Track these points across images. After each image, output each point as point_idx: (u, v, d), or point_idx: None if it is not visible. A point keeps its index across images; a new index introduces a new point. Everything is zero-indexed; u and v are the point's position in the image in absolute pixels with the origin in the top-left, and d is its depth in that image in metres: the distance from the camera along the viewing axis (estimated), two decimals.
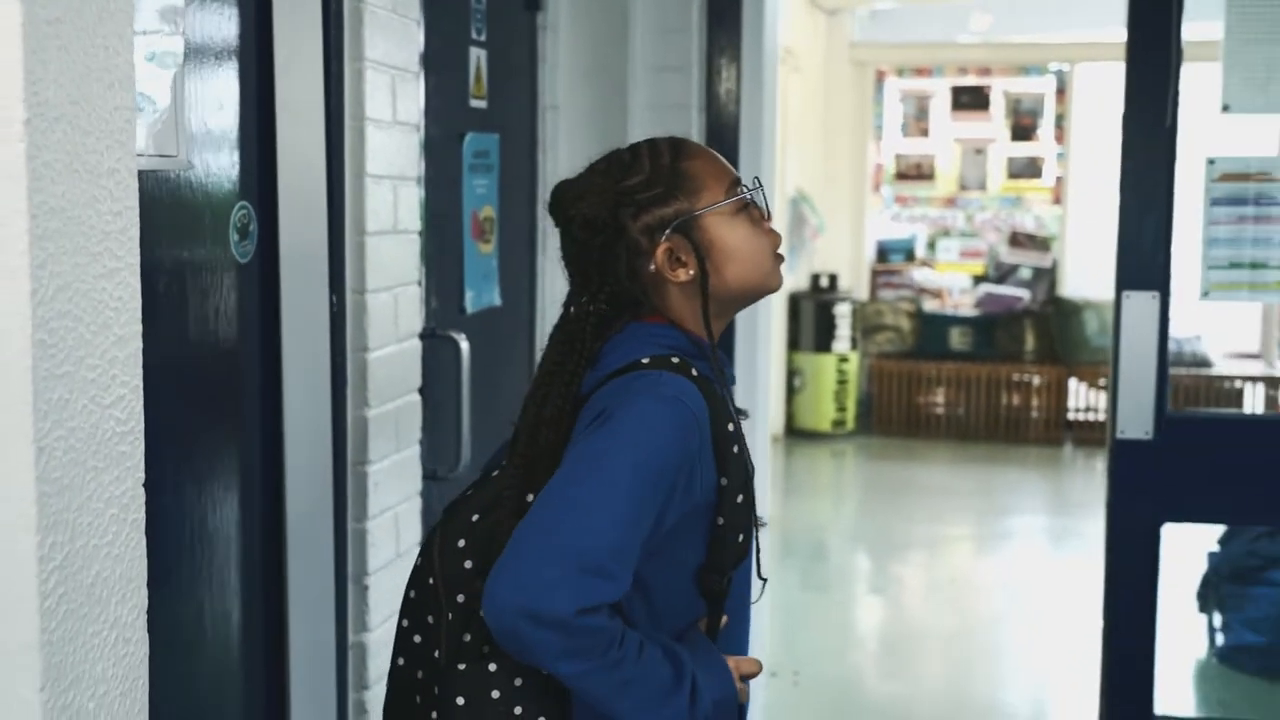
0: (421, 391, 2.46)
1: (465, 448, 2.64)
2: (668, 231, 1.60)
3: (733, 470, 1.57)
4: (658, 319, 1.63)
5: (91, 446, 1.23)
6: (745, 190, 1.65)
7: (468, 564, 1.56)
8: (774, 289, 1.68)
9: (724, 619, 1.64)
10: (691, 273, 1.61)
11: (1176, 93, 3.30)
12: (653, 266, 1.60)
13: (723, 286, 1.63)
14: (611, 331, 1.62)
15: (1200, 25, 3.35)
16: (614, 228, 1.60)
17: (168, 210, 1.81)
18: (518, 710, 1.53)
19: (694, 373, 1.57)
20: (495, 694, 1.52)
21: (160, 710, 1.45)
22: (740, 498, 1.58)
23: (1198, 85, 3.39)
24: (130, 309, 1.27)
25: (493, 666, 1.52)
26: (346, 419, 2.21)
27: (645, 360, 1.57)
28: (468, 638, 1.54)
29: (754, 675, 1.65)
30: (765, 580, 1.71)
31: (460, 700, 1.52)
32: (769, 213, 1.67)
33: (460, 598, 1.56)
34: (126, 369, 1.27)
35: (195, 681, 1.92)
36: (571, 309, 1.64)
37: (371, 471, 2.26)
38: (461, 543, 1.57)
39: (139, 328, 1.29)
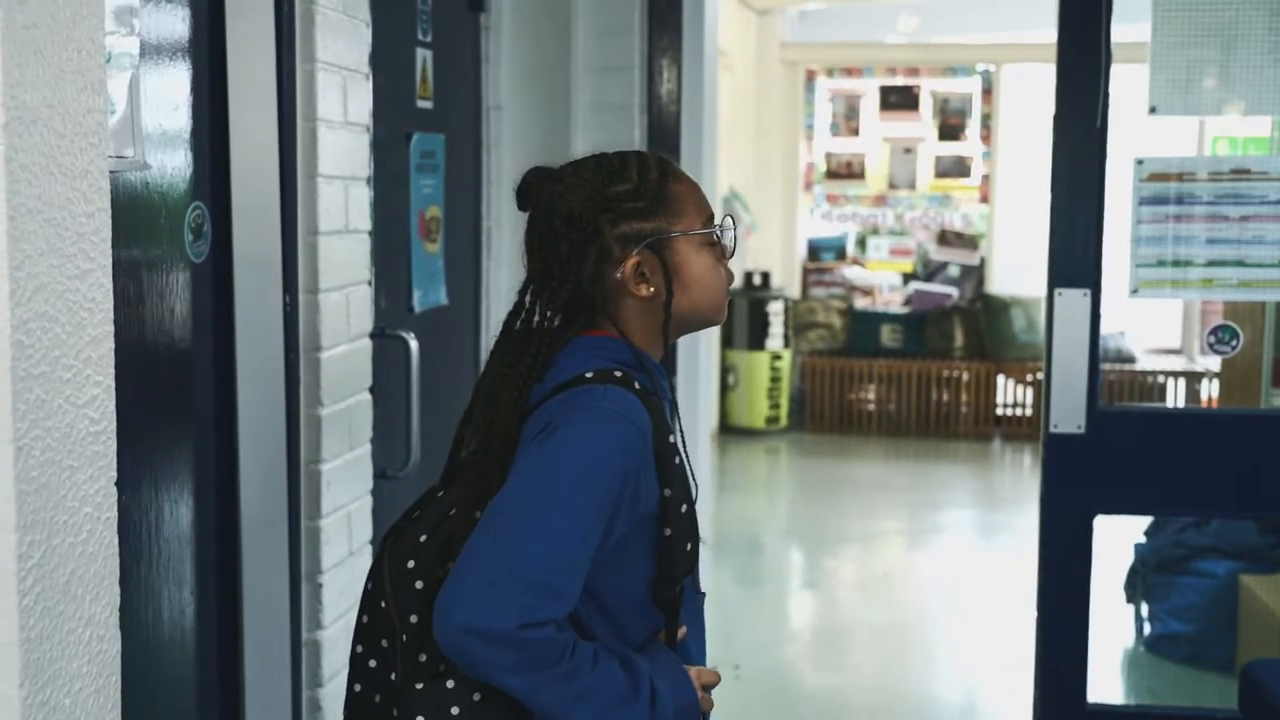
0: (371, 391, 2.47)
1: (414, 447, 2.65)
2: (641, 246, 1.61)
3: (675, 481, 1.58)
4: (606, 332, 1.64)
5: (67, 446, 1.24)
6: (718, 227, 1.68)
7: (418, 584, 1.56)
8: (718, 322, 1.72)
9: (682, 629, 1.67)
10: (652, 290, 1.63)
11: (1106, 94, 3.39)
12: (619, 275, 1.61)
13: (678, 310, 1.65)
14: (561, 344, 1.63)
15: (1128, 28, 3.44)
16: (592, 229, 1.60)
17: (124, 211, 1.82)
18: None
19: (636, 385, 1.59)
20: (454, 710, 1.52)
21: None
22: (684, 507, 1.60)
23: (1124, 87, 3.48)
24: (103, 309, 1.29)
25: (450, 683, 1.52)
26: (300, 418, 2.22)
27: (589, 374, 1.57)
28: (423, 658, 1.54)
29: (714, 685, 1.68)
30: (703, 595, 1.75)
31: (420, 719, 1.52)
32: (732, 252, 1.70)
33: (413, 618, 1.55)
34: (100, 369, 1.29)
35: (151, 679, 1.93)
36: (522, 317, 1.64)
37: (324, 470, 2.27)
38: (411, 564, 1.56)
39: (111, 328, 1.31)
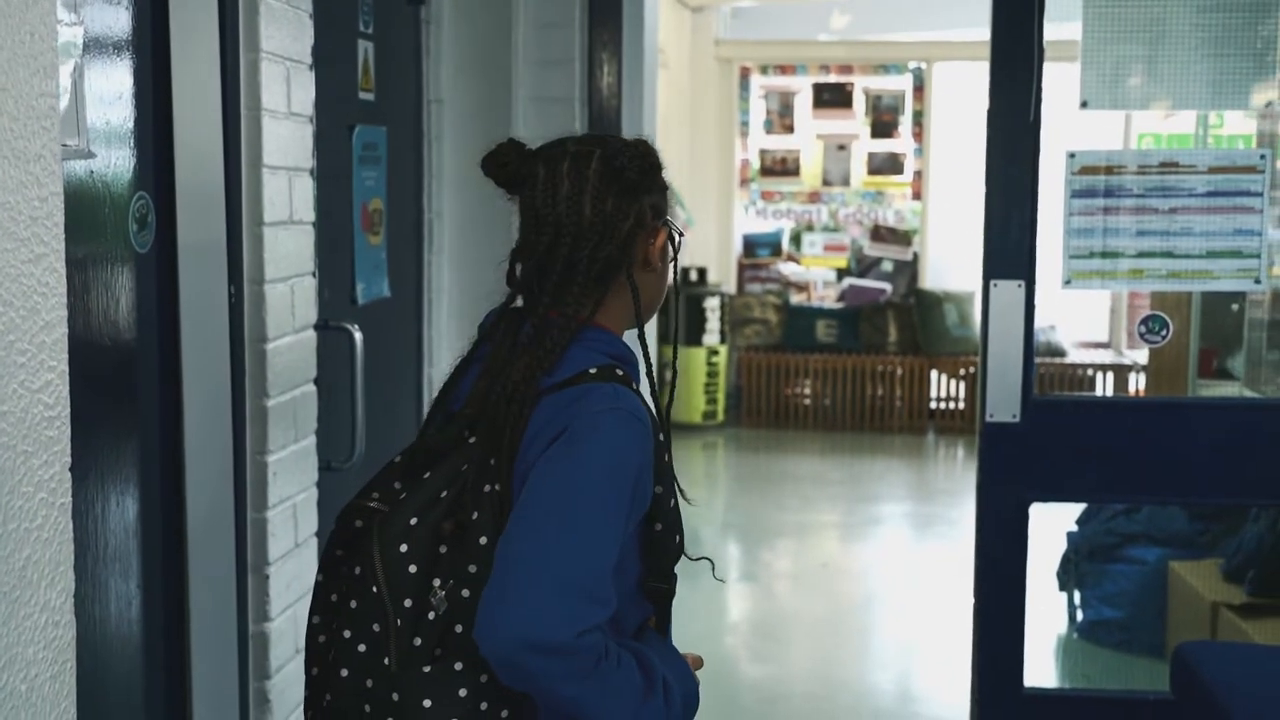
0: (315, 383, 2.47)
1: (359, 439, 2.65)
2: (661, 221, 1.65)
3: (665, 477, 1.61)
4: (595, 324, 1.62)
5: (21, 431, 1.23)
6: (675, 229, 1.69)
7: (411, 569, 1.53)
8: (647, 319, 1.72)
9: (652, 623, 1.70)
10: (657, 269, 1.66)
11: (1040, 90, 3.45)
12: (652, 242, 1.64)
13: (650, 299, 1.68)
14: (575, 331, 1.59)
15: (1058, 27, 3.51)
16: (640, 188, 1.63)
17: (68, 200, 1.79)
18: (483, 706, 1.52)
19: (634, 385, 1.60)
20: (462, 692, 1.52)
21: None
22: (672, 502, 1.63)
23: (1054, 84, 3.54)
24: (57, 294, 1.28)
25: (459, 665, 1.52)
26: (245, 409, 2.21)
27: (593, 370, 1.57)
28: (418, 641, 1.52)
29: (699, 669, 1.73)
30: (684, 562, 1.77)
31: (427, 703, 1.51)
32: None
33: (407, 602, 1.53)
34: (54, 354, 1.28)
35: (97, 670, 1.91)
36: (530, 305, 1.62)
37: (271, 461, 2.26)
38: (404, 548, 1.54)
39: (65, 313, 1.30)
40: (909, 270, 9.45)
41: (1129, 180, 3.45)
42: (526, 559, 1.44)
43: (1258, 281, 3.47)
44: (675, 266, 1.73)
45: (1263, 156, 3.43)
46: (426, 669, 1.51)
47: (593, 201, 1.60)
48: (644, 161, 1.64)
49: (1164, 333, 3.55)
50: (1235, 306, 5.14)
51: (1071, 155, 3.47)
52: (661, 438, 1.62)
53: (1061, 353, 8.69)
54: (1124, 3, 3.46)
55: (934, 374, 8.85)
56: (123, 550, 1.96)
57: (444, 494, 1.55)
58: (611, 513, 1.49)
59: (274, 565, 2.28)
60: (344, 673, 1.58)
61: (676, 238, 1.70)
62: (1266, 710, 2.91)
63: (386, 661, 1.53)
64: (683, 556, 1.69)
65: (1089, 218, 3.47)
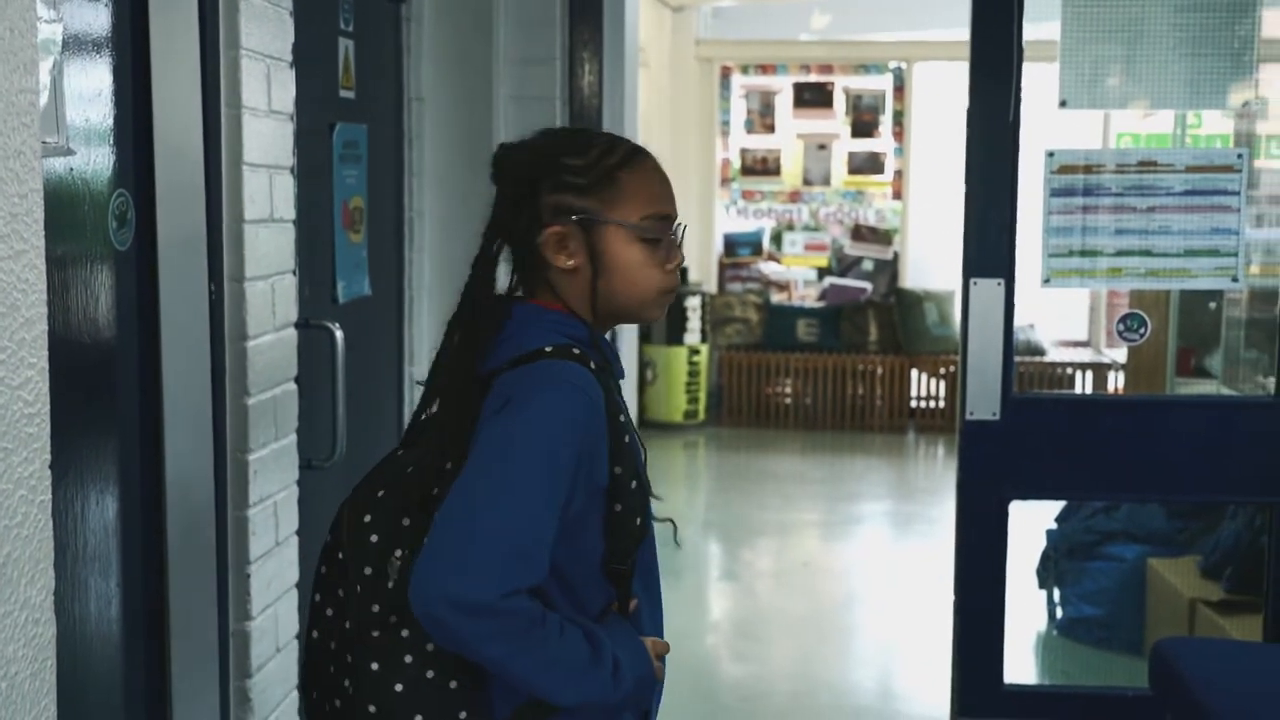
0: (296, 381, 2.46)
1: (340, 438, 2.65)
2: (568, 220, 1.66)
3: (626, 459, 1.64)
4: (550, 303, 1.70)
5: (1, 428, 1.23)
6: (656, 228, 1.70)
7: (374, 538, 1.61)
8: (648, 320, 1.77)
9: (634, 602, 1.72)
10: (572, 263, 1.68)
11: (1019, 89, 3.46)
12: (539, 240, 1.67)
13: (601, 294, 1.69)
14: (503, 311, 1.68)
15: (1037, 27, 3.53)
16: (530, 189, 1.68)
17: (48, 197, 1.79)
18: (429, 674, 1.58)
19: (591, 364, 1.64)
20: (408, 659, 1.58)
21: None
22: (634, 484, 1.66)
23: (1033, 84, 3.56)
24: (37, 290, 1.28)
25: (405, 632, 1.58)
26: (226, 407, 2.20)
27: (549, 349, 1.63)
28: (375, 608, 1.60)
29: (665, 654, 1.74)
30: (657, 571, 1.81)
31: (374, 665, 1.58)
32: (676, 257, 1.72)
33: (367, 570, 1.61)
34: (34, 351, 1.28)
35: (77, 669, 1.91)
36: (474, 288, 1.72)
37: (251, 460, 2.26)
38: (367, 518, 1.63)
39: (45, 309, 1.30)
40: (889, 269, 9.47)
41: (1108, 179, 3.47)
42: (457, 520, 1.50)
43: (1235, 280, 3.49)
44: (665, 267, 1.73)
45: (1240, 156, 3.46)
46: (376, 634, 1.59)
47: (499, 200, 1.73)
48: (535, 162, 1.69)
49: (1142, 331, 3.56)
50: (1213, 305, 5.18)
51: (1050, 154, 3.49)
52: (622, 419, 1.66)
53: (1041, 351, 8.72)
54: (1103, 3, 3.47)
55: (914, 373, 8.87)
56: (102, 549, 1.96)
57: (409, 470, 1.63)
58: (545, 481, 1.53)
59: (255, 564, 2.27)
60: (314, 634, 1.70)
61: (594, 239, 1.68)
62: (1244, 705, 2.92)
63: (347, 625, 1.62)
64: (647, 555, 1.74)
65: (1068, 216, 3.49)
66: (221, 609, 2.22)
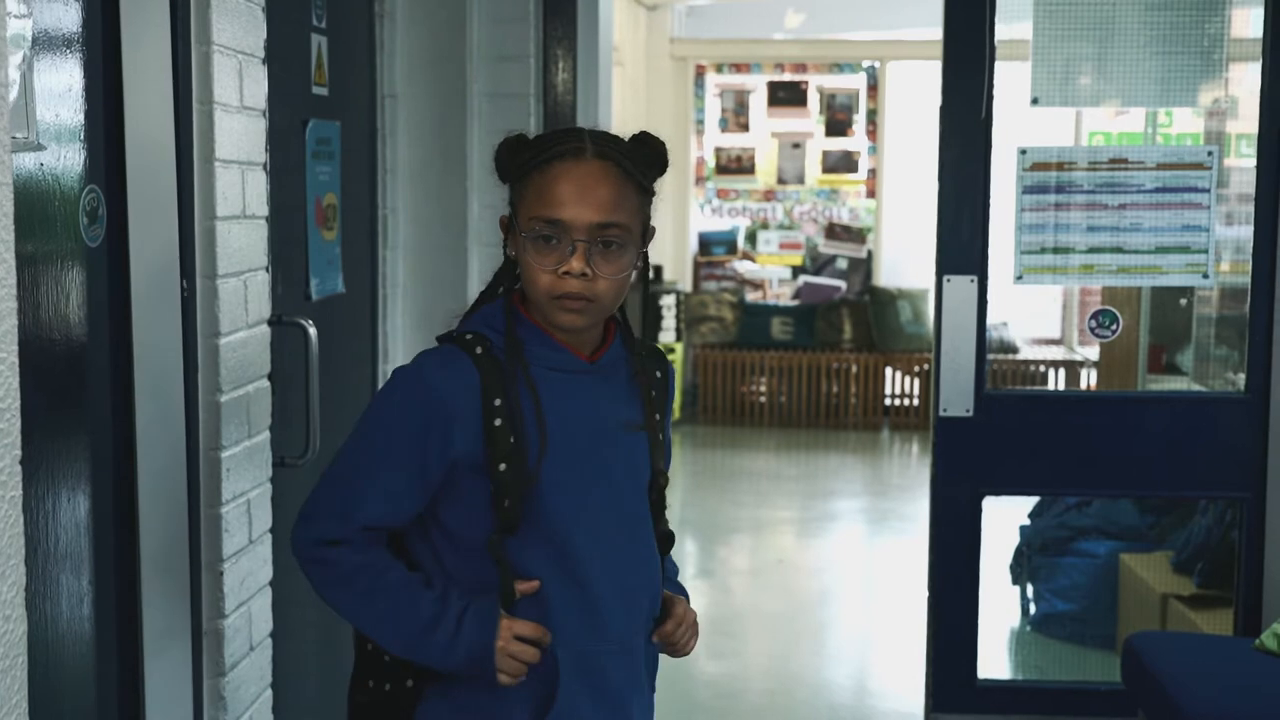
0: (270, 378, 2.46)
1: (314, 435, 2.64)
2: (509, 210, 1.82)
3: (496, 442, 1.74)
4: (514, 296, 1.84)
5: None
6: (542, 229, 1.75)
7: None
8: (558, 325, 1.78)
9: (531, 584, 1.78)
10: (511, 254, 1.83)
11: (991, 87, 3.48)
12: (515, 233, 1.81)
13: (525, 287, 1.80)
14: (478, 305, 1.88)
15: (1009, 26, 3.55)
16: (507, 177, 1.82)
17: (17, 194, 1.78)
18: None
19: (478, 350, 1.76)
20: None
21: None
22: (502, 466, 1.74)
23: (1006, 84, 3.58)
24: (7, 285, 1.27)
25: None
26: (199, 404, 2.19)
27: (451, 334, 1.80)
28: None
29: (533, 638, 1.77)
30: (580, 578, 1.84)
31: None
32: (569, 264, 1.73)
33: None
34: (4, 345, 1.27)
35: (49, 667, 1.90)
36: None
37: (224, 457, 2.25)
38: None
39: (14, 304, 1.29)
40: (863, 267, 9.50)
41: (1079, 176, 3.49)
42: (318, 482, 1.82)
43: (1205, 276, 3.52)
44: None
45: (1210, 153, 3.48)
46: None
47: None
48: (508, 153, 1.80)
49: (1114, 327, 3.59)
50: (1184, 301, 5.21)
51: (1023, 152, 3.51)
52: (498, 403, 1.74)
53: (1014, 349, 8.76)
54: (1074, 2, 3.50)
55: (888, 371, 8.90)
56: (74, 546, 1.95)
57: None
58: (369, 449, 1.78)
59: (228, 562, 2.26)
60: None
61: (512, 232, 1.81)
62: (1214, 698, 2.95)
63: None
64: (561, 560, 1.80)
65: (1040, 214, 3.51)
66: (194, 607, 2.21)
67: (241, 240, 2.30)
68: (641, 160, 1.81)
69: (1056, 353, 8.96)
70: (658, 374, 1.92)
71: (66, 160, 1.90)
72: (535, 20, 3.41)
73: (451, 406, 1.74)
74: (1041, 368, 8.72)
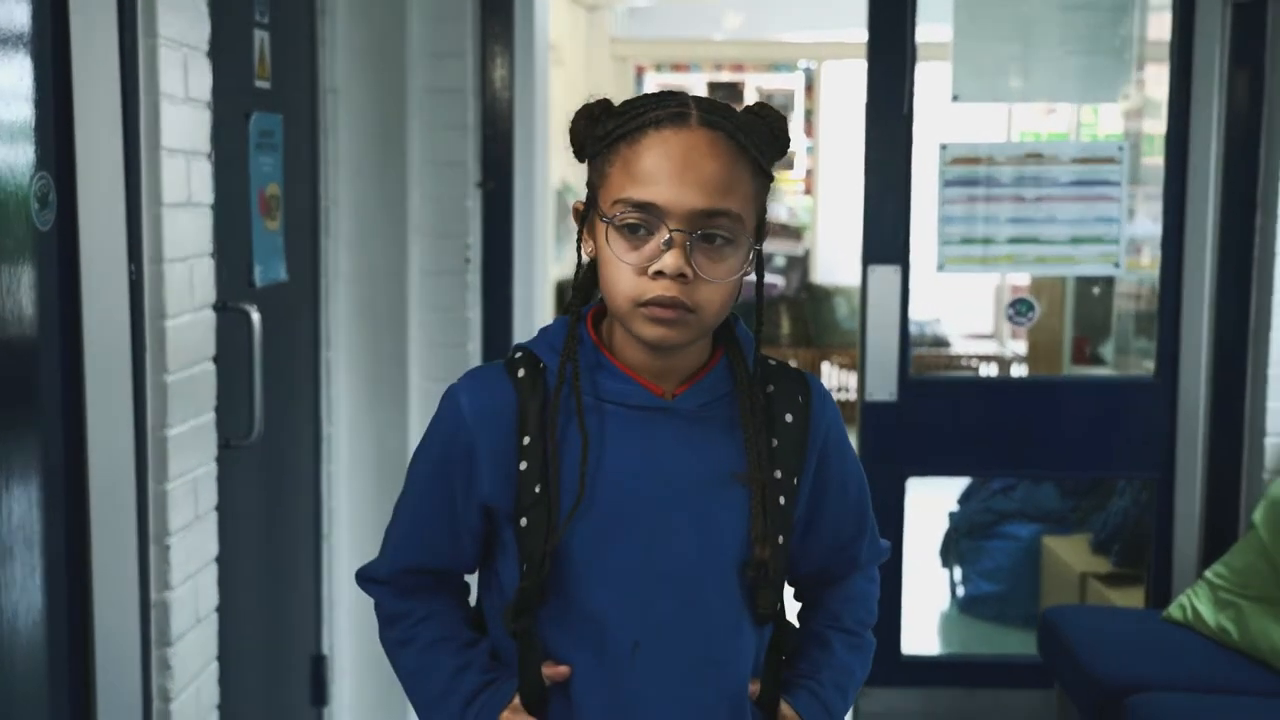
0: (215, 361, 2.54)
1: (257, 418, 2.72)
2: (589, 195, 1.45)
3: (522, 488, 1.44)
4: (593, 311, 1.51)
5: None
6: (626, 216, 1.38)
7: None
8: (638, 334, 1.41)
9: (548, 672, 1.46)
10: (590, 251, 1.46)
11: (912, 85, 3.62)
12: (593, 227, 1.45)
13: (604, 292, 1.43)
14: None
15: (933, 27, 3.69)
16: (581, 154, 1.48)
17: None
18: None
19: (520, 373, 1.46)
20: None
21: None
22: (524, 521, 1.43)
23: (932, 82, 3.72)
24: None
25: None
26: (146, 384, 2.28)
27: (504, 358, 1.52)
28: None
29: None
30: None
31: None
32: (664, 263, 1.36)
33: None
34: None
35: (1, 634, 1.97)
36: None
37: (171, 436, 2.33)
38: None
39: None
40: (801, 265, 9.64)
41: (998, 171, 3.64)
42: None
43: (1117, 265, 3.67)
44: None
45: (1120, 149, 3.64)
46: None
47: None
48: (587, 122, 1.45)
49: (1031, 314, 3.74)
50: (1096, 290, 5.39)
51: (944, 147, 3.65)
52: (527, 441, 1.44)
53: (946, 343, 8.94)
54: (992, 4, 3.64)
55: (825, 365, 9.05)
56: (26, 520, 2.02)
57: None
58: (418, 481, 1.54)
59: (175, 536, 2.34)
60: None
61: (590, 222, 1.45)
62: (1124, 665, 3.10)
63: None
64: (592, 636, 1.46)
65: (960, 206, 3.66)
66: (143, 579, 2.29)
67: (187, 227, 2.39)
68: (758, 134, 1.42)
69: (988, 347, 9.15)
70: (795, 404, 1.50)
71: (16, 146, 1.98)
72: (473, 18, 3.50)
73: (477, 437, 1.45)
74: (972, 361, 8.91)
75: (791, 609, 1.61)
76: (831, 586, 1.64)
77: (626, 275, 1.38)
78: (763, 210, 1.45)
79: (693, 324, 1.39)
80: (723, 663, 1.48)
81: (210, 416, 2.51)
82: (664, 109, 1.38)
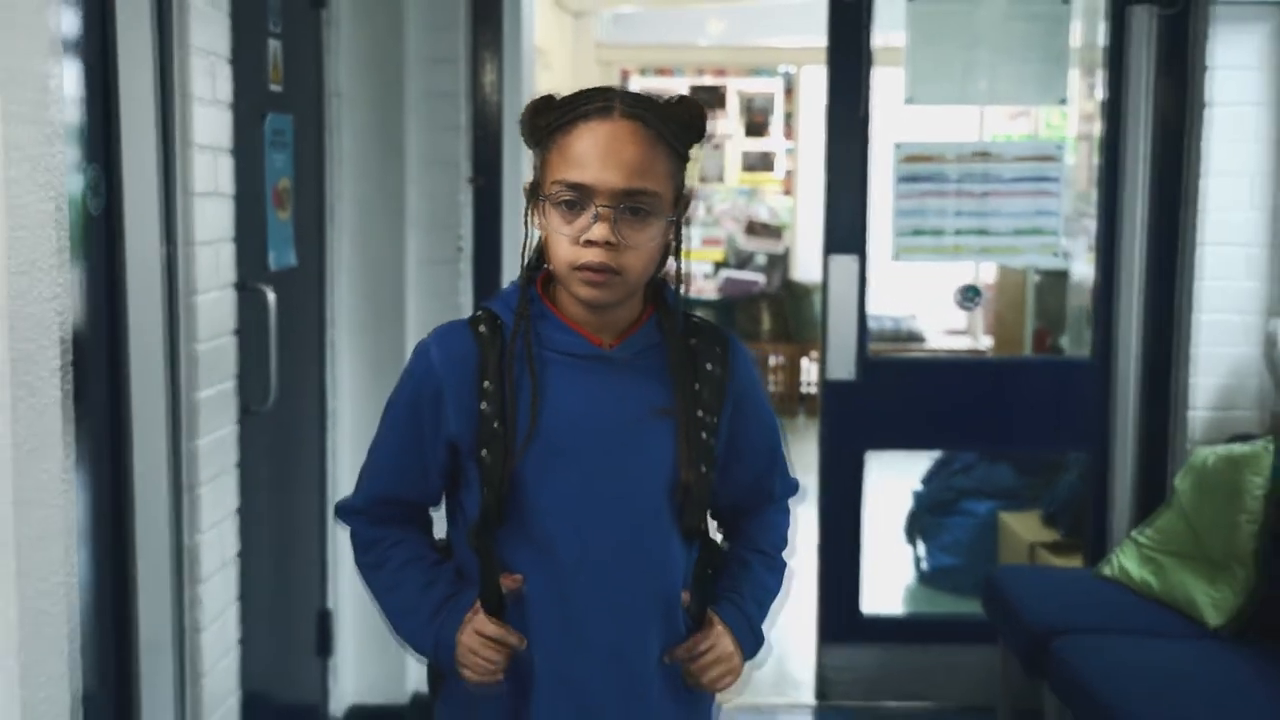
0: (236, 334, 2.85)
1: (273, 386, 3.03)
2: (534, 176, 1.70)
3: (482, 425, 1.65)
4: (541, 275, 1.73)
5: None
6: (564, 194, 1.63)
7: None
8: (575, 294, 1.65)
9: (504, 582, 1.68)
10: (535, 225, 1.69)
11: (868, 89, 3.94)
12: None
13: (549, 259, 1.68)
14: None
15: (889, 34, 4.01)
16: (531, 141, 1.72)
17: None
18: None
19: (481, 328, 1.68)
20: None
21: None
22: (485, 453, 1.65)
23: (891, 84, 4.03)
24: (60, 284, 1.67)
25: None
26: (180, 352, 2.59)
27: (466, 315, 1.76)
28: None
29: (498, 638, 1.68)
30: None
31: None
32: (594, 232, 1.61)
33: None
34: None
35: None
36: None
37: (201, 398, 2.64)
38: None
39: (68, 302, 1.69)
40: (781, 263, 9.95)
41: (948, 168, 3.96)
42: None
43: (1055, 255, 3.99)
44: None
45: (1059, 147, 3.97)
46: None
47: None
48: (533, 114, 1.69)
49: (977, 300, 4.06)
50: (1037, 278, 5.70)
51: (898, 146, 3.97)
52: (487, 385, 1.66)
53: (921, 339, 9.25)
54: (941, 13, 3.96)
55: (804, 361, 9.36)
56: (75, 471, 2.33)
57: None
58: (388, 422, 1.75)
59: (204, 486, 2.65)
60: None
61: (536, 200, 1.69)
62: (1055, 613, 3.41)
63: None
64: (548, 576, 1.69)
65: (913, 200, 3.97)
66: (176, 524, 2.60)
67: (213, 214, 2.70)
68: (675, 122, 1.67)
69: (963, 343, 9.46)
70: (715, 354, 1.74)
71: (73, 143, 2.29)
72: (465, 26, 3.80)
73: (444, 382, 1.67)
74: (943, 354, 9.21)
75: (717, 538, 1.87)
76: (750, 516, 1.90)
77: (564, 244, 1.63)
78: (681, 185, 1.69)
79: (619, 284, 1.63)
80: (656, 574, 1.71)
81: (232, 383, 2.82)
82: (592, 104, 1.65)
